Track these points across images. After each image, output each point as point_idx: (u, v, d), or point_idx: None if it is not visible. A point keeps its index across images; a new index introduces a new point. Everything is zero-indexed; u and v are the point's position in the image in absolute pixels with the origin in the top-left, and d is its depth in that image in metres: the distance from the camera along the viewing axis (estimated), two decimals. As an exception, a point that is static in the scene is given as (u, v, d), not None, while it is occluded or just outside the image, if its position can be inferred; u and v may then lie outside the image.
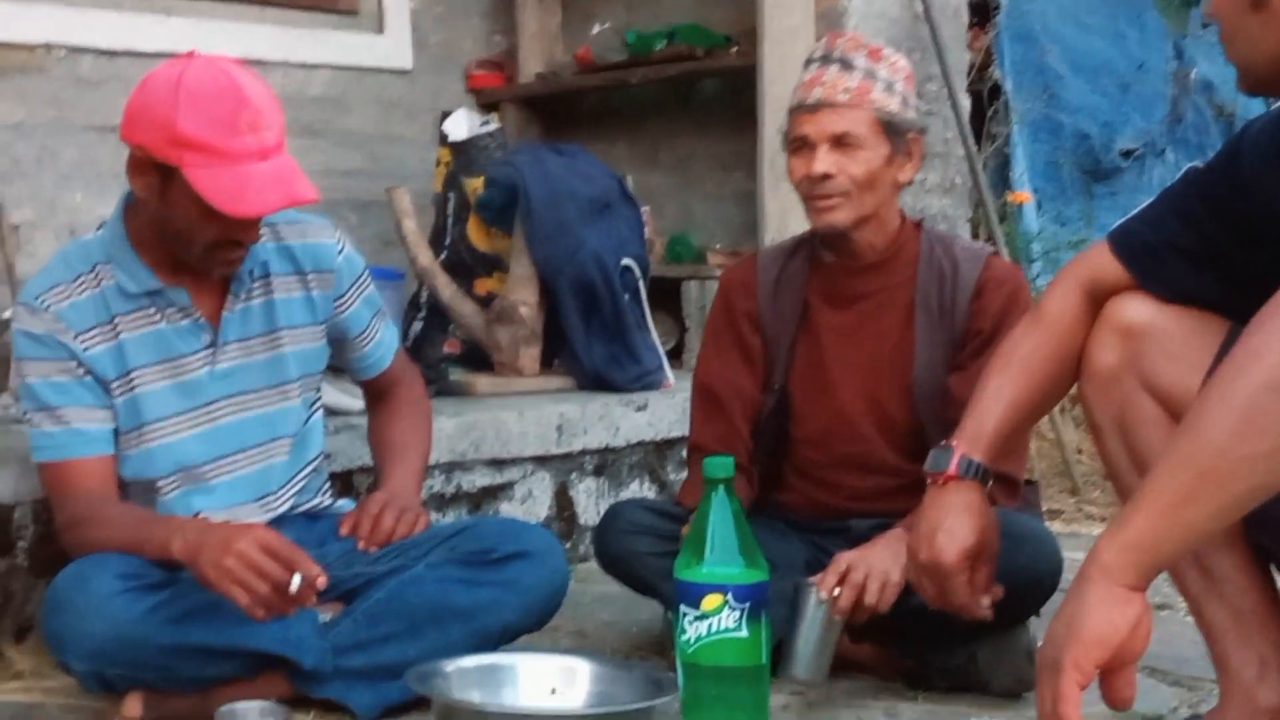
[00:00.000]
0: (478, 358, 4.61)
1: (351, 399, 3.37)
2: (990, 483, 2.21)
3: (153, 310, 2.63)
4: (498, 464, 3.78)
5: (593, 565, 3.07)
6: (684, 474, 4.08)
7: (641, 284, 4.48)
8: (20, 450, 2.92)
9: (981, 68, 6.19)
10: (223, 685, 2.49)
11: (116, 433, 2.63)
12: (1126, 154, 6.97)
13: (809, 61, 2.86)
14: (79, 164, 4.64)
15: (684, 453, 3.98)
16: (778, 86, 4.60)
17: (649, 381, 4.27)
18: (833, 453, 2.93)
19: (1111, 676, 1.72)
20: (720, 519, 2.18)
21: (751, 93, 4.70)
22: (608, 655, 2.97)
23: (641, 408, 4.08)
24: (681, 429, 3.96)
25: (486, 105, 5.59)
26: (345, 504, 2.87)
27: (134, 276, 2.61)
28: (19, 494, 2.94)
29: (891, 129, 2.80)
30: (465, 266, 4.82)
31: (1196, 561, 2.11)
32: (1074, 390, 2.22)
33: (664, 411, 4.13)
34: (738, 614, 2.13)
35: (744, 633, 2.14)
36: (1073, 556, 3.47)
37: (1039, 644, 2.70)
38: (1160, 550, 1.67)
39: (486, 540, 2.71)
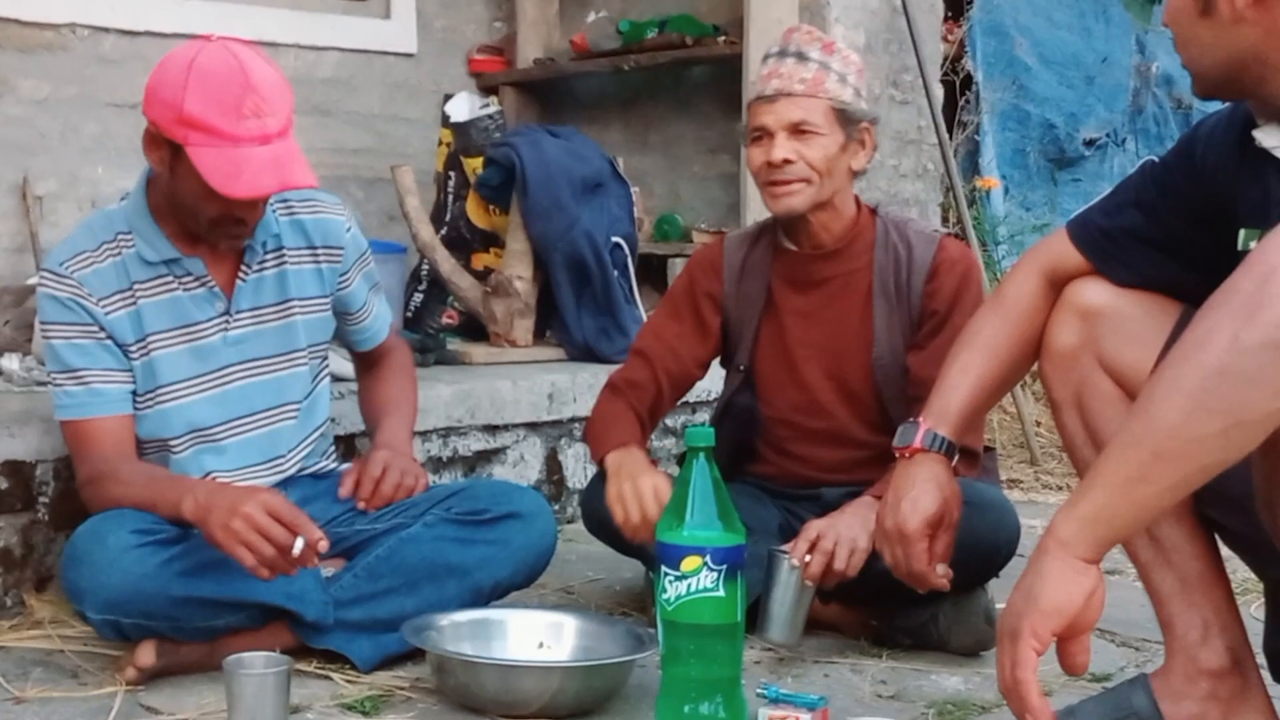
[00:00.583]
0: (474, 328, 4.61)
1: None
2: (955, 457, 2.22)
3: (170, 279, 2.63)
4: (492, 429, 3.78)
5: (579, 526, 3.07)
6: (667, 440, 4.11)
7: (630, 260, 4.48)
8: (42, 411, 2.93)
9: (955, 59, 6.18)
10: (230, 635, 2.50)
11: (134, 394, 2.63)
12: (1090, 143, 6.96)
13: (766, 56, 2.85)
14: (100, 139, 4.63)
15: (666, 420, 4.00)
16: (762, 75, 4.59)
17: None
18: (802, 429, 2.93)
19: (1067, 644, 1.73)
20: (700, 485, 2.19)
21: (738, 80, 4.69)
22: (593, 611, 2.98)
23: (628, 378, 4.08)
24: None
25: (487, 88, 5.57)
26: (348, 467, 2.87)
27: (153, 246, 2.61)
28: (41, 453, 2.94)
29: (845, 117, 2.80)
30: (464, 242, 4.83)
31: (1146, 531, 2.12)
32: (1034, 368, 2.22)
33: (650, 381, 4.12)
34: (715, 575, 2.14)
35: (721, 592, 2.14)
36: (1030, 524, 3.49)
37: (997, 608, 2.74)
38: (1114, 525, 1.68)
39: (480, 501, 2.71)
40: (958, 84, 6.09)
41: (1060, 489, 4.54)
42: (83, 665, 2.58)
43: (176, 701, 2.39)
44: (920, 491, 2.18)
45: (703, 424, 2.33)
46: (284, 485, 2.71)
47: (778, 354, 2.93)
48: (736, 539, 2.17)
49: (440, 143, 5.06)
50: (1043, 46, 6.80)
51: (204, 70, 2.42)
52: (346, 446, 3.32)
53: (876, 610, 2.78)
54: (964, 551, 2.60)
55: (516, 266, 4.42)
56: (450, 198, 4.93)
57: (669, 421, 4.10)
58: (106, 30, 4.65)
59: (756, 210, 4.57)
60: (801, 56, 2.79)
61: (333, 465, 2.84)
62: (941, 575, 2.23)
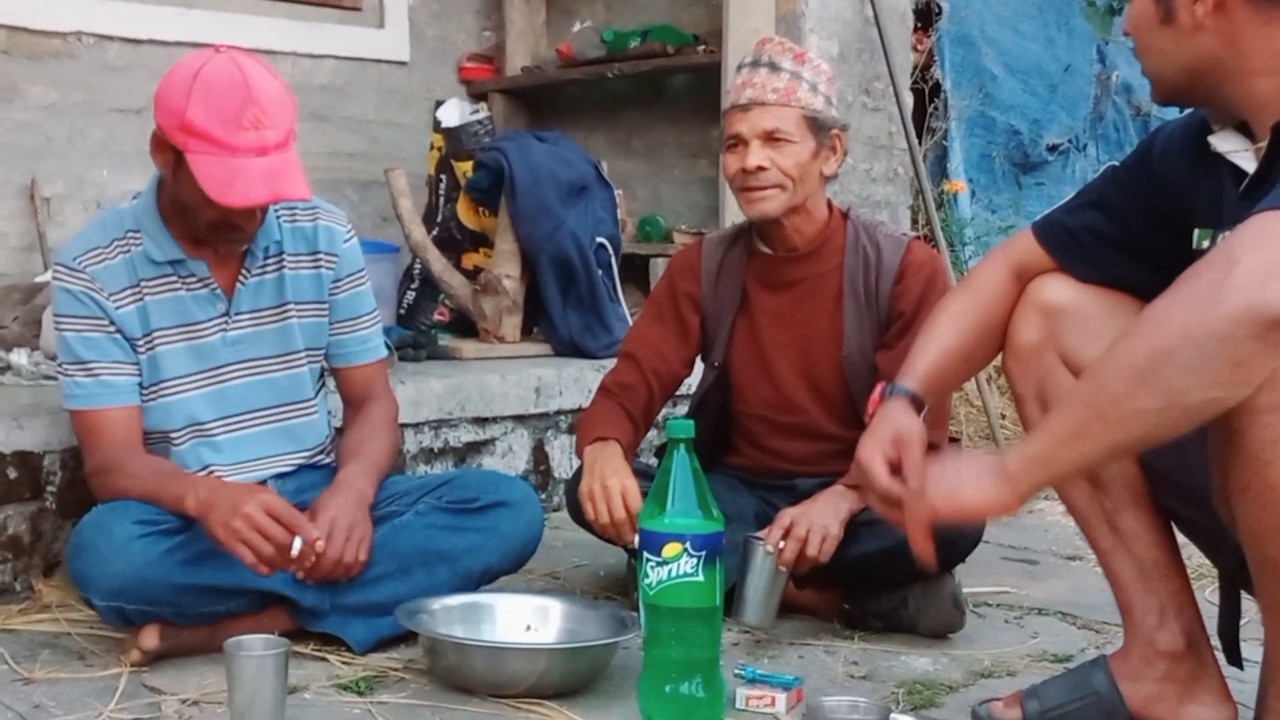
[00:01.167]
0: (465, 325, 4.61)
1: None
2: (922, 409, 2.08)
3: (174, 278, 2.62)
4: (481, 421, 3.78)
5: (565, 515, 3.07)
6: (649, 432, 4.10)
7: (614, 260, 4.48)
8: (50, 404, 2.92)
9: (924, 68, 6.17)
10: (230, 620, 2.49)
11: (141, 386, 2.62)
12: (1053, 148, 6.96)
13: (740, 67, 2.85)
14: (105, 143, 4.62)
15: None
16: (740, 83, 4.59)
17: (619, 349, 4.26)
18: (775, 423, 2.94)
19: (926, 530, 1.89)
20: (681, 475, 2.18)
21: (717, 88, 4.68)
22: (578, 596, 2.98)
23: (612, 372, 4.08)
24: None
25: (477, 95, 5.56)
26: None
27: (160, 246, 2.60)
28: (49, 443, 2.93)
29: (816, 125, 2.79)
30: (455, 242, 4.82)
31: (1106, 519, 2.13)
32: (998, 362, 2.22)
33: (632, 376, 4.12)
34: (695, 561, 2.14)
35: (700, 578, 2.14)
36: (996, 512, 3.50)
37: (965, 592, 2.74)
38: (1051, 469, 1.79)
39: (470, 490, 2.71)
40: (927, 92, 6.08)
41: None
42: (89, 648, 2.57)
43: (179, 682, 2.38)
44: (874, 427, 2.03)
45: (684, 416, 2.33)
46: (281, 479, 2.71)
47: (751, 352, 2.93)
48: (715, 526, 2.17)
49: (432, 147, 5.05)
50: (1008, 56, 6.80)
51: (208, 80, 2.40)
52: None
53: (849, 594, 2.78)
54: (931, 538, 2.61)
55: (505, 266, 4.42)
56: (441, 200, 4.92)
57: (651, 414, 4.10)
58: (111, 38, 4.63)
59: (735, 212, 4.55)
60: (774, 67, 2.79)
61: (329, 461, 2.82)
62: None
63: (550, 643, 2.51)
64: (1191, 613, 2.13)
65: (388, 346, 3.12)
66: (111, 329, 2.58)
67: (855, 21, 4.94)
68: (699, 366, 3.05)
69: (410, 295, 4.84)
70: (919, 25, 5.85)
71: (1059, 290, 2.11)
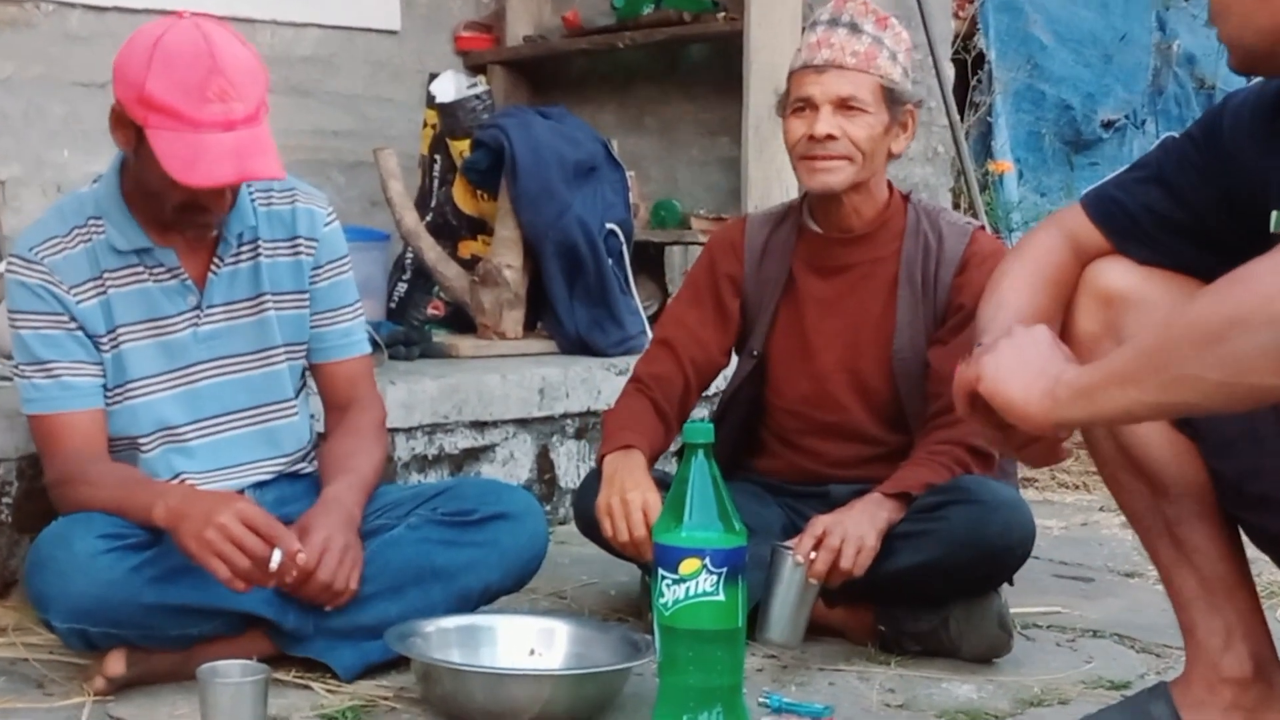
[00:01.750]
0: (461, 320, 4.61)
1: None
2: None
3: (140, 269, 2.62)
4: (479, 426, 3.78)
5: (572, 528, 3.07)
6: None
7: (625, 249, 4.48)
8: (5, 407, 2.92)
9: (966, 36, 6.18)
10: (205, 643, 2.49)
11: (105, 388, 2.62)
12: (1107, 125, 6.97)
13: (815, 23, 2.84)
14: (66, 120, 4.61)
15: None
16: (764, 53, 4.59)
17: (631, 346, 4.27)
18: (811, 421, 2.93)
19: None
20: (700, 483, 2.18)
21: (738, 59, 4.69)
22: (586, 617, 2.98)
23: (623, 372, 4.07)
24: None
25: (474, 67, 5.56)
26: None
27: (124, 233, 2.60)
28: (4, 451, 2.94)
29: (892, 98, 2.80)
30: (450, 229, 4.83)
31: (1168, 531, 2.13)
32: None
33: (646, 375, 4.12)
34: (715, 578, 2.14)
35: (721, 597, 2.14)
36: (1045, 524, 3.50)
37: (1012, 612, 2.74)
38: (1095, 409, 1.81)
39: (467, 501, 2.71)
40: (969, 63, 6.09)
41: (1077, 488, 4.54)
42: (48, 675, 2.57)
43: (148, 712, 2.39)
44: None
45: (702, 419, 2.33)
46: (259, 488, 2.70)
47: (793, 341, 2.93)
48: (737, 540, 2.16)
49: (425, 124, 5.05)
50: (1058, 23, 6.80)
51: (169, 49, 2.39)
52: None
53: (884, 614, 2.78)
54: (975, 553, 2.61)
55: (505, 255, 4.42)
56: (436, 182, 4.92)
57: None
58: (73, 5, 4.63)
59: (758, 195, 4.58)
60: (855, 28, 2.79)
61: (311, 469, 2.82)
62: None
63: (556, 668, 2.51)
64: (1261, 634, 2.12)
65: (376, 344, 3.12)
66: (72, 326, 2.58)
67: (890, -15, 4.93)
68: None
69: (401, 287, 4.85)
70: (960, -11, 5.86)
71: (1118, 275, 2.10)
